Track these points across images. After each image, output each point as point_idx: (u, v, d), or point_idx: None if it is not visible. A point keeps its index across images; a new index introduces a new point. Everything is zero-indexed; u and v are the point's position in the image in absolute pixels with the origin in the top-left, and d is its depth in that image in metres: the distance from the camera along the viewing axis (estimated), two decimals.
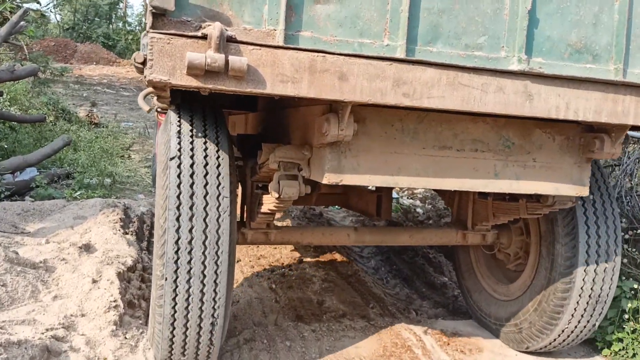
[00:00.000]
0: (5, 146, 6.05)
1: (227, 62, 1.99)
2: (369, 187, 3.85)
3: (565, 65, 2.40)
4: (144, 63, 2.04)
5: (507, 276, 3.81)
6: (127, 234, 5.47)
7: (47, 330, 3.15)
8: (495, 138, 2.65)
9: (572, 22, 2.38)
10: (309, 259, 5.04)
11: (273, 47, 2.08)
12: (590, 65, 2.44)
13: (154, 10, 1.97)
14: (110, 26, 30.53)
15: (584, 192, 2.79)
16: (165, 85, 2.09)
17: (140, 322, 3.86)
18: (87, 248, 4.76)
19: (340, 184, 2.51)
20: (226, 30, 2.03)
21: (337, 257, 5.40)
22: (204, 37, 2.01)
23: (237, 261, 4.94)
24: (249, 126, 3.58)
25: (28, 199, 5.97)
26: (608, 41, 2.43)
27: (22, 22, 6.48)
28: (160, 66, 1.99)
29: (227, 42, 2.03)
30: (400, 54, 2.21)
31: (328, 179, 2.48)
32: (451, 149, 2.60)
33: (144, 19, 29.27)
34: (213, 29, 1.99)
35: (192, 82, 2.01)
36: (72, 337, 3.21)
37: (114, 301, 3.76)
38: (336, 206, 3.14)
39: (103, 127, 11.91)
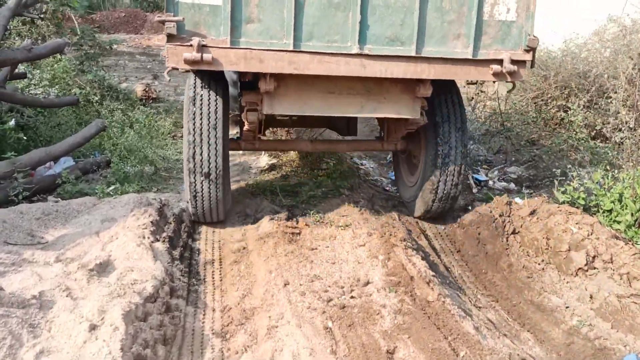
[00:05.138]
0: (24, 138, 5.26)
1: (202, 57, 3.95)
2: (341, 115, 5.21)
3: (384, 49, 4.13)
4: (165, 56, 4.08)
5: (413, 170, 5.64)
6: (157, 240, 4.57)
7: None
8: (360, 86, 4.43)
9: (388, 24, 4.10)
10: (376, 278, 3.90)
11: (225, 48, 4.01)
12: (399, 47, 4.15)
13: (167, 34, 3.90)
14: None
15: (417, 115, 4.62)
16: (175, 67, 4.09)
17: None
18: (103, 269, 3.88)
19: (273, 113, 4.51)
20: (202, 41, 3.96)
21: (413, 270, 4.18)
22: (191, 45, 3.93)
23: (286, 284, 3.87)
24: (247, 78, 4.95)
25: (51, 198, 5.20)
26: (409, 34, 4.13)
27: None
28: (172, 60, 3.99)
29: (202, 47, 3.96)
30: (291, 47, 4.03)
31: (266, 111, 4.44)
32: (334, 93, 4.43)
33: None
34: (194, 42, 3.92)
35: (187, 67, 4.07)
36: None
37: None
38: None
39: (160, 101, 11.23)
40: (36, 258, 4.05)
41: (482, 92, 9.38)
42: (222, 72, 4.70)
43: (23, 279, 3.56)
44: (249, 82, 4.61)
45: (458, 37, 4.16)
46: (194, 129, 4.50)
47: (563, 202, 5.13)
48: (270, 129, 7.40)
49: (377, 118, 5.75)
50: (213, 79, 4.61)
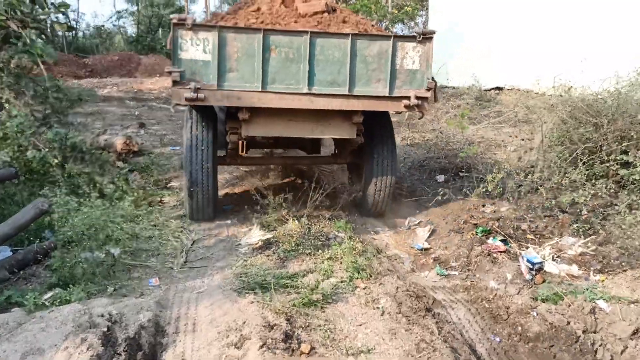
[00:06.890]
0: None
1: (197, 96, 5.29)
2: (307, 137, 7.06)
3: (326, 89, 5.53)
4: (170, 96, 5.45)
5: (359, 179, 7.21)
6: None
7: None
8: (311, 116, 5.84)
9: (328, 72, 5.50)
10: None
11: (213, 90, 5.37)
12: (337, 88, 5.55)
13: (173, 80, 5.27)
14: None
15: (354, 136, 6.13)
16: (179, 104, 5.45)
17: None
18: None
19: (249, 135, 5.93)
20: (197, 84, 5.29)
21: None
22: (190, 88, 5.27)
23: None
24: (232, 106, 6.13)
25: None
26: (344, 79, 5.53)
27: None
28: (175, 98, 5.34)
29: (197, 89, 5.29)
30: (260, 89, 5.41)
31: (244, 133, 5.89)
32: (292, 120, 5.88)
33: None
34: (191, 86, 5.26)
35: (187, 103, 5.42)
36: None
37: None
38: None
39: (143, 154, 9.89)
40: None
41: (523, 140, 8.09)
42: (212, 107, 6.13)
43: None
44: (232, 113, 6.02)
45: (379, 81, 5.63)
46: (191, 146, 5.97)
47: None
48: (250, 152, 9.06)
49: (333, 140, 7.56)
50: (204, 111, 6.11)
